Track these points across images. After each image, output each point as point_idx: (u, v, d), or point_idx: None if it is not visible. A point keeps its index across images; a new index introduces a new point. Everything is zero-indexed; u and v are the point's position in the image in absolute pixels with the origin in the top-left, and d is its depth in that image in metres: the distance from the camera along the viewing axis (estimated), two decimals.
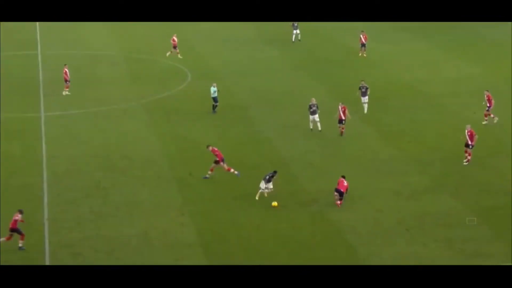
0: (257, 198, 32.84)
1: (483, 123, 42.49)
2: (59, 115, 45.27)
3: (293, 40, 63.81)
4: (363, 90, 45.23)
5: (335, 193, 32.36)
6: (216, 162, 35.33)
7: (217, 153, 35.36)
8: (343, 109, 41.11)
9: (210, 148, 35.72)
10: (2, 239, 29.00)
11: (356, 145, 39.84)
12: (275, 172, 33.20)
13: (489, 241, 29.27)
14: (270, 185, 32.87)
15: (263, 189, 32.89)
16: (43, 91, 49.76)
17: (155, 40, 65.08)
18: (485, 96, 43.07)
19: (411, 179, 35.31)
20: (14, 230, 28.92)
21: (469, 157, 36.46)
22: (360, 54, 58.32)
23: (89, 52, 60.84)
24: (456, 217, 31.36)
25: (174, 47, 58.08)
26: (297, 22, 63.51)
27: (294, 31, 63.93)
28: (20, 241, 28.89)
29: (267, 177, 32.94)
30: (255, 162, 37.70)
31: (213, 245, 29.41)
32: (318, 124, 41.27)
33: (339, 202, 32.28)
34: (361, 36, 58.25)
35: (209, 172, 35.56)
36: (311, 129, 41.57)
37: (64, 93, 48.66)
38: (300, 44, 63.02)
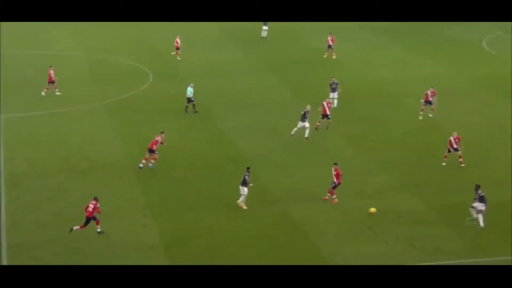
0: (244, 207, 32.62)
1: (419, 118, 43.78)
2: (20, 117, 45.01)
3: (264, 35, 65.27)
4: (333, 86, 46.00)
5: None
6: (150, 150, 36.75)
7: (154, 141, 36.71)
8: (328, 104, 42.00)
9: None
10: (76, 227, 30.05)
11: (320, 144, 40.23)
12: (248, 169, 32.96)
13: (450, 239, 29.90)
14: (246, 190, 32.67)
15: (244, 194, 32.68)
16: (1, 92, 49.35)
17: (116, 40, 64.99)
18: (429, 91, 43.85)
19: (375, 178, 35.82)
20: (90, 218, 29.98)
21: (460, 159, 36.79)
22: (325, 56, 58.82)
23: (51, 52, 60.49)
24: (417, 215, 31.99)
25: (177, 48, 58.40)
26: None
27: (264, 27, 65.11)
28: (97, 226, 30.18)
29: (243, 180, 32.58)
30: (219, 162, 37.93)
31: (176, 246, 29.57)
32: (307, 131, 40.72)
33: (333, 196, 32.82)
34: (329, 37, 58.86)
35: (143, 161, 36.68)
36: (292, 134, 40.90)
37: (57, 93, 48.87)
38: (265, 44, 63.43)
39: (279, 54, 60.31)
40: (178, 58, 58.16)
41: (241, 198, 32.56)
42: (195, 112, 45.23)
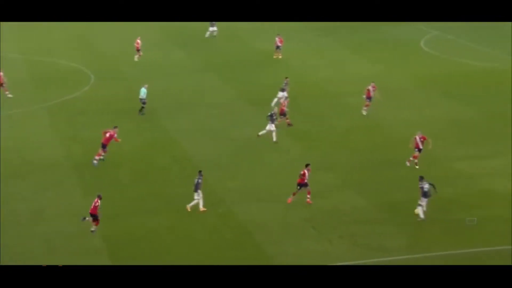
0: (202, 209, 32.40)
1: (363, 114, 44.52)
2: None
3: (207, 36, 65.07)
4: (283, 86, 46.46)
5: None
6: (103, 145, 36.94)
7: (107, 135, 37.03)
8: (285, 103, 42.84)
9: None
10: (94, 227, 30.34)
11: (265, 145, 40.37)
12: (200, 173, 32.73)
13: (392, 236, 30.34)
14: (200, 194, 32.50)
15: (197, 198, 32.47)
16: None
17: (55, 40, 64.09)
18: (371, 87, 44.81)
19: (318, 177, 36.05)
20: (94, 215, 30.13)
21: (416, 160, 36.95)
22: (275, 57, 58.94)
23: None
24: (361, 213, 32.39)
25: (138, 50, 57.79)
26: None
27: (211, 28, 65.12)
28: (94, 226, 30.33)
29: (196, 184, 32.34)
30: (163, 164, 37.76)
31: (120, 249, 29.30)
32: (274, 134, 40.34)
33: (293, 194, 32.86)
34: (277, 38, 59.06)
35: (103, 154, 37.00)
36: (259, 135, 40.50)
37: (8, 95, 48.14)
38: (209, 45, 63.36)
39: (223, 55, 60.31)
40: (136, 59, 57.54)
41: (193, 203, 32.32)
42: (142, 114, 44.88)
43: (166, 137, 41.86)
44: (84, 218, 30.48)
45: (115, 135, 37.58)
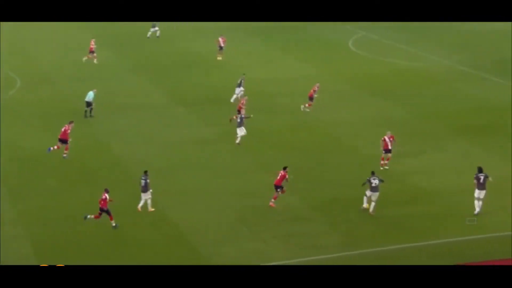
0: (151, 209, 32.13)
1: (306, 110, 45.14)
2: None
3: (148, 36, 65.24)
4: (240, 82, 47.29)
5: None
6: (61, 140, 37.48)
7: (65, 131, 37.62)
8: (244, 100, 43.19)
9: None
10: (91, 216, 30.50)
11: (195, 147, 40.13)
12: (145, 173, 32.34)
13: (325, 234, 30.54)
14: (148, 194, 32.13)
15: (146, 198, 32.14)
16: None
17: None
18: (316, 87, 45.86)
19: (251, 177, 36.08)
20: (103, 210, 30.35)
21: (386, 161, 36.92)
22: (219, 58, 58.75)
23: None
24: (294, 212, 32.49)
25: (91, 51, 56.68)
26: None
27: (152, 29, 65.24)
28: (112, 221, 30.53)
29: (144, 184, 32.05)
30: (93, 167, 37.12)
31: (49, 254, 28.57)
32: (240, 137, 40.17)
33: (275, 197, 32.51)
34: (220, 39, 58.97)
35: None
36: (237, 143, 40.24)
37: None
38: (141, 47, 62.81)
39: (155, 56, 59.81)
40: (95, 61, 56.67)
41: (142, 203, 32.08)
42: (90, 117, 44.20)
43: (97, 140, 41.16)
44: (86, 217, 30.49)
45: (69, 129, 37.91)
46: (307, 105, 45.63)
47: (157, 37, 65.54)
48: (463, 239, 29.72)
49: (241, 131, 40.06)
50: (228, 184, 34.97)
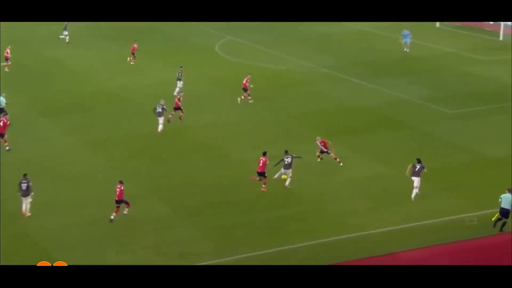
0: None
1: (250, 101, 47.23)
2: None
3: (60, 37, 64.22)
4: (179, 76, 48.83)
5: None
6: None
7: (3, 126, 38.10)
8: (179, 97, 43.76)
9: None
10: (114, 214, 30.89)
11: (60, 158, 38.50)
12: (24, 176, 31.52)
13: (197, 241, 29.83)
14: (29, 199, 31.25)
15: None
16: None
17: None
18: (245, 79, 47.57)
19: (126, 187, 34.91)
20: (123, 201, 30.83)
21: (337, 159, 36.96)
22: (132, 63, 57.98)
23: None
24: (164, 221, 31.54)
25: (6, 59, 54.25)
26: (66, 23, 63.53)
27: (65, 32, 63.89)
28: (126, 209, 31.20)
29: (26, 188, 31.07)
30: None
31: None
32: (160, 128, 41.46)
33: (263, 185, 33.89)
34: (135, 45, 58.42)
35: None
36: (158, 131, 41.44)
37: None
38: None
39: (14, 63, 57.14)
40: (6, 69, 54.18)
41: (24, 206, 31.11)
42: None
43: None
44: (111, 220, 30.86)
45: (6, 121, 38.61)
46: (242, 97, 47.08)
47: (67, 42, 64.10)
48: (337, 239, 29.87)
49: (161, 121, 41.57)
50: (92, 195, 33.63)
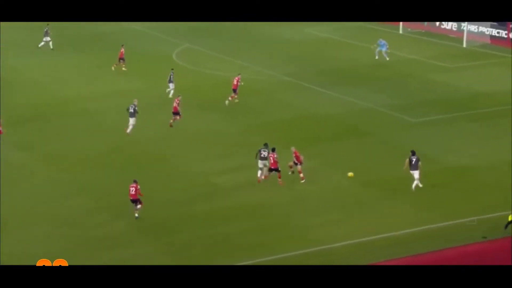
0: None
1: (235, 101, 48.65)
2: None
3: (40, 46, 63.63)
4: (171, 78, 50.52)
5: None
6: None
7: None
8: (177, 101, 44.87)
9: None
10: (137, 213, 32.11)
11: (10, 172, 37.75)
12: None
13: (154, 256, 29.50)
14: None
15: None
16: None
17: None
18: (235, 80, 48.86)
19: (72, 202, 34.38)
20: (137, 200, 32.06)
21: (301, 175, 36.68)
22: (124, 68, 57.89)
23: None
24: (119, 238, 31.14)
25: None
26: (48, 27, 63.26)
27: (45, 38, 63.32)
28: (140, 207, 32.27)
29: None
30: None
31: None
32: (131, 128, 42.75)
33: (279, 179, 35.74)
34: (122, 50, 58.21)
35: None
36: (127, 133, 42.74)
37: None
38: None
39: None
40: None
41: None
42: None
43: None
44: (137, 217, 31.97)
45: None
46: (230, 98, 48.54)
47: (51, 49, 63.69)
48: (301, 253, 29.71)
49: (133, 121, 42.71)
50: (43, 211, 33.04)
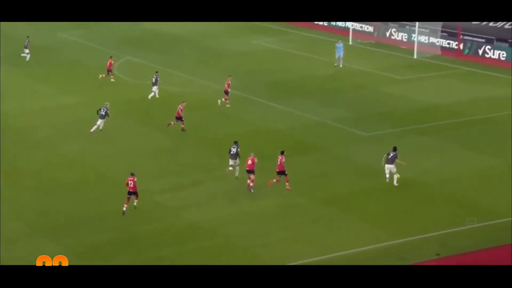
0: None
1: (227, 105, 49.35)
2: None
3: (22, 55, 64.32)
4: (154, 80, 52.54)
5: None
6: None
7: None
8: (181, 107, 46.12)
9: None
10: (125, 206, 33.88)
11: None
12: None
13: None
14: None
15: None
16: None
17: None
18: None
19: (7, 225, 33.65)
20: (135, 192, 34.07)
21: (250, 183, 37.28)
22: (112, 80, 58.42)
23: None
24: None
25: None
26: (28, 39, 64.31)
27: (26, 50, 63.84)
28: (136, 201, 34.36)
29: None
30: None
31: None
32: (95, 127, 44.82)
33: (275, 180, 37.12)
34: (111, 61, 58.58)
35: None
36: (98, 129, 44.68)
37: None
38: None
39: None
40: None
41: None
42: None
43: None
44: (124, 213, 33.72)
45: None
46: (223, 99, 51.12)
47: (27, 61, 63.98)
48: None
49: (101, 123, 45.03)
50: None
